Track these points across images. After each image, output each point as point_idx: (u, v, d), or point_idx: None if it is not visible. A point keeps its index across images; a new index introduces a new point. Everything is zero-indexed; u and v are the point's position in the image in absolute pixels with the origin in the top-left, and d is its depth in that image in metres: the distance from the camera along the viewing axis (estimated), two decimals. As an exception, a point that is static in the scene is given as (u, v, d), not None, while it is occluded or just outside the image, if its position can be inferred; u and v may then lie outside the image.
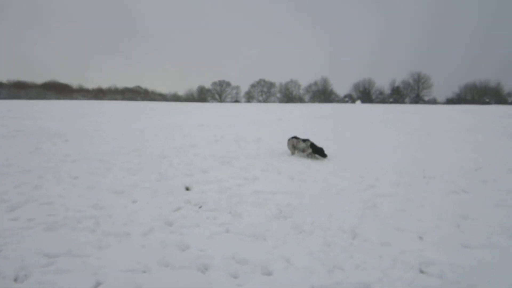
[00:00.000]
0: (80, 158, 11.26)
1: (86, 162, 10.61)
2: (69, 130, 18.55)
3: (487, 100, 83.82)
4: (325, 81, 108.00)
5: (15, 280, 4.30)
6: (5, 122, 22.45)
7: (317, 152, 11.79)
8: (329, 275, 4.61)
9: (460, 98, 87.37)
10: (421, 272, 4.73)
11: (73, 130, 18.63)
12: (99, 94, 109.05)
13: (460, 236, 5.85)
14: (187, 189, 8.19)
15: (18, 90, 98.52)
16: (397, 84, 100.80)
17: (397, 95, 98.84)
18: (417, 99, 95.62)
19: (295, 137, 12.58)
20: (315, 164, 10.92)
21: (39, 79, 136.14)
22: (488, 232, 6.01)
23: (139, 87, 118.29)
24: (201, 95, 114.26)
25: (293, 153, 12.44)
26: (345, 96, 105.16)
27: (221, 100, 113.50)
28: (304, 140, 12.15)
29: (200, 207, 7.01)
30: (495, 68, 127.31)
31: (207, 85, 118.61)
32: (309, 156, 11.95)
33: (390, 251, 5.28)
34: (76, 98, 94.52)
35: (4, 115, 28.08)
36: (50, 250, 4.96)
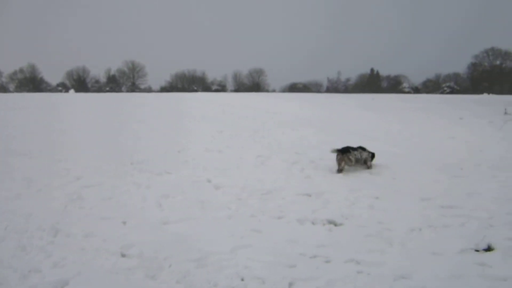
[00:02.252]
0: None
1: None
2: None
3: (195, 88, 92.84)
4: (33, 68, 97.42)
5: None
6: None
7: None
8: (24, 281, 4.24)
9: (172, 86, 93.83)
10: (123, 255, 4.89)
11: None
12: None
13: (160, 214, 6.32)
14: None
15: None
16: (112, 72, 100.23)
17: (113, 84, 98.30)
18: (134, 88, 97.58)
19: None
20: None
21: None
22: (186, 206, 6.70)
23: None
24: None
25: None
26: (58, 85, 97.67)
27: None
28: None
29: None
30: (200, 58, 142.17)
31: None
32: None
33: (93, 241, 5.25)
34: None
35: None
36: None
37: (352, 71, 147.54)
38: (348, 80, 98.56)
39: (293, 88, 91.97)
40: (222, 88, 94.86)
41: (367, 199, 6.93)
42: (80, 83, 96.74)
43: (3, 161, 9.71)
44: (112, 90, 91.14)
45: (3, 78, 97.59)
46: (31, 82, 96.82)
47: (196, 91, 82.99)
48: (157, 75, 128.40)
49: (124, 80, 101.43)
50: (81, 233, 5.49)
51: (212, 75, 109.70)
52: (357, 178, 8.47)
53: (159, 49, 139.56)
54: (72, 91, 66.62)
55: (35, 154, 10.59)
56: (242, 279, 4.28)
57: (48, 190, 7.43)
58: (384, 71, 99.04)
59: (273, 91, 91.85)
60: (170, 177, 8.54)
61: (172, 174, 8.78)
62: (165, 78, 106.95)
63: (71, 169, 8.94)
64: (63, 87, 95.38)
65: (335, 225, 5.84)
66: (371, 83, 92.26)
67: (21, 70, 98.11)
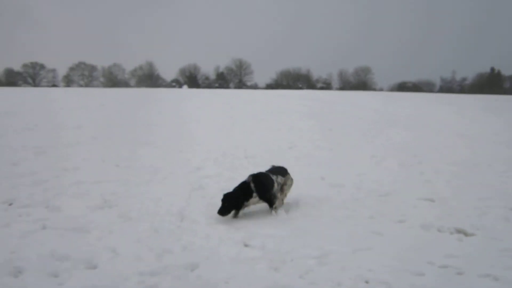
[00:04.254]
0: None
1: None
2: None
3: (300, 85, 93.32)
4: (150, 65, 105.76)
5: None
6: None
7: None
8: (158, 259, 4.57)
9: (277, 84, 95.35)
10: (246, 245, 5.04)
11: None
12: None
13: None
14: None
15: None
16: (221, 70, 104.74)
17: (222, 80, 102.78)
18: (241, 84, 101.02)
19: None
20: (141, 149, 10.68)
21: None
22: (304, 203, 6.69)
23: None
24: (10, 79, 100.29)
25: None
26: (172, 81, 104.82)
27: (35, 84, 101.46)
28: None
29: (10, 204, 6.20)
30: (304, 56, 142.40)
31: (17, 67, 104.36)
32: None
33: (217, 229, 5.49)
34: None
35: None
36: None
37: (468, 71, 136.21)
38: (464, 79, 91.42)
39: (402, 87, 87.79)
40: (327, 86, 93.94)
41: (500, 210, 6.31)
42: (191, 79, 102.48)
43: (133, 150, 10.65)
44: (220, 86, 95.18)
45: (126, 75, 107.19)
46: (149, 78, 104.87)
47: (301, 88, 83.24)
48: (263, 72, 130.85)
49: (232, 77, 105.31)
50: (204, 221, 5.78)
51: (317, 73, 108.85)
52: (485, 186, 7.77)
53: (264, 48, 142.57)
54: (185, 86, 70.88)
55: (159, 144, 11.47)
56: (367, 282, 4.15)
57: (172, 178, 7.97)
58: (506, 71, 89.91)
59: (381, 90, 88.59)
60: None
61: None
62: (270, 75, 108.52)
63: (191, 160, 9.51)
64: (176, 83, 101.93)
65: (466, 235, 5.40)
66: (492, 83, 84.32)
67: (140, 67, 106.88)
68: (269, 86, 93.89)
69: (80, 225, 5.43)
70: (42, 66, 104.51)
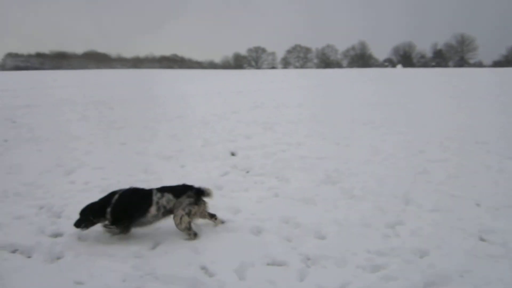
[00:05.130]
0: (126, 125, 11.50)
1: (132, 129, 10.82)
2: (112, 98, 18.96)
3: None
4: (363, 45, 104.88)
5: (79, 238, 4.47)
6: (52, 91, 23.20)
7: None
8: (384, 240, 4.51)
9: (508, 61, 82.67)
10: (482, 240, 4.55)
11: (116, 98, 19.03)
12: (137, 63, 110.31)
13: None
14: (232, 154, 8.21)
15: (61, 60, 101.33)
16: (439, 47, 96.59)
17: (439, 59, 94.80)
18: (462, 63, 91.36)
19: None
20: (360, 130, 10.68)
21: (80, 49, 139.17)
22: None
23: (175, 55, 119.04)
24: (237, 62, 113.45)
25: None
26: (385, 61, 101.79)
27: (257, 66, 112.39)
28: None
29: (247, 172, 7.02)
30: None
31: (243, 51, 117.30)
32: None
33: (447, 218, 5.10)
34: (115, 67, 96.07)
35: (50, 85, 28.98)
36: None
37: None
38: None
39: None
40: None
41: None
42: (405, 58, 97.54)
43: (351, 129, 10.78)
44: (438, 65, 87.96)
45: (338, 55, 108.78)
46: (360, 58, 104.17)
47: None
48: (490, 48, 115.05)
49: (452, 54, 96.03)
50: (431, 207, 5.43)
51: None
52: None
53: (491, 18, 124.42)
54: (399, 66, 67.95)
55: (377, 124, 11.30)
56: None
57: (393, 160, 7.73)
58: None
59: None
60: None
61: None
62: (499, 51, 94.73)
63: (412, 142, 9.06)
64: (389, 63, 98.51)
65: None
66: None
67: (353, 48, 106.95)
68: (497, 64, 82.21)
69: (307, 196, 5.75)
70: (263, 50, 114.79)
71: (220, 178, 6.63)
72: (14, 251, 4.20)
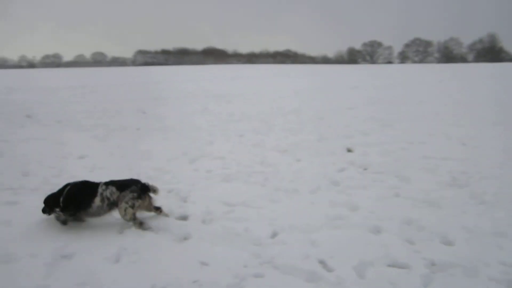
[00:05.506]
0: (243, 118, 11.94)
1: (249, 122, 11.20)
2: (229, 92, 19.84)
3: None
4: (492, 38, 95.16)
5: (203, 222, 4.77)
6: (175, 86, 25.03)
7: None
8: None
9: None
10: None
11: (233, 92, 19.87)
12: (252, 58, 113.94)
13: None
14: (349, 150, 8.05)
15: (182, 56, 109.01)
16: None
17: None
18: None
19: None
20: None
21: (199, 46, 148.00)
22: None
23: (288, 50, 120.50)
24: (351, 57, 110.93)
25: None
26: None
27: (372, 61, 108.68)
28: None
29: (365, 169, 6.83)
30: None
31: (357, 46, 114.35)
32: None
33: None
34: (231, 62, 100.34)
35: (174, 79, 31.31)
36: (228, 200, 5.38)
37: None
38: None
39: None
40: None
41: None
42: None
43: (480, 129, 9.90)
44: None
45: (463, 49, 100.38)
46: (489, 52, 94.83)
47: None
48: None
49: None
50: None
51: None
52: None
53: None
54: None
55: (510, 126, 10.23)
56: None
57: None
58: None
59: None
60: None
61: None
62: None
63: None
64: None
65: None
66: None
67: (480, 40, 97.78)
68: None
69: (431, 199, 5.42)
70: (379, 44, 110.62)
71: (336, 174, 6.54)
72: (147, 229, 4.61)
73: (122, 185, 4.62)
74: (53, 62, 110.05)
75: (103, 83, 27.88)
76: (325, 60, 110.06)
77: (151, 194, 4.81)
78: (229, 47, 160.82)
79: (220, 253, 4.03)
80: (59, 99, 17.74)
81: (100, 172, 6.72)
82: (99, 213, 4.61)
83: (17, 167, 6.93)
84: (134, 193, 4.59)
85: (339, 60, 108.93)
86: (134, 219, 4.59)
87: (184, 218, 4.92)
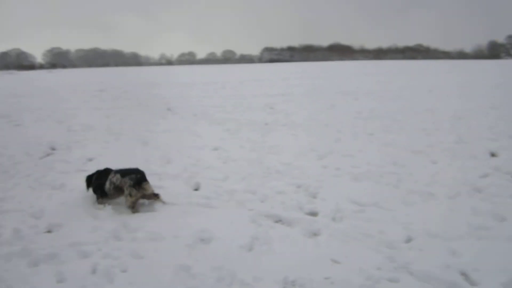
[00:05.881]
0: (371, 115, 11.56)
1: (378, 120, 10.80)
2: (357, 89, 19.37)
3: None
4: None
5: (333, 219, 4.74)
6: (301, 82, 25.26)
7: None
8: None
9: None
10: None
11: (360, 89, 19.36)
12: (379, 54, 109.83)
13: None
14: (493, 155, 7.27)
15: (308, 53, 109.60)
16: None
17: None
18: None
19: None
20: None
21: (325, 42, 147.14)
22: None
23: (420, 45, 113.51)
24: (493, 51, 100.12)
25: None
26: None
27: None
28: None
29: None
30: None
31: (500, 39, 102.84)
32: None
33: None
34: (357, 59, 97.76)
35: (300, 75, 31.61)
36: (358, 199, 5.26)
37: None
38: None
39: None
40: None
41: None
42: None
43: None
44: None
45: None
46: None
47: None
48: None
49: None
50: None
51: None
52: None
53: None
54: None
55: None
56: None
57: None
58: None
59: None
60: None
61: None
62: None
63: None
64: None
65: None
66: None
67: None
68: None
69: None
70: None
71: (478, 180, 5.95)
72: (277, 221, 4.72)
73: (125, 173, 5.26)
74: (188, 59, 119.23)
75: (233, 79, 29.30)
76: (461, 55, 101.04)
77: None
78: (355, 43, 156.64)
79: (352, 253, 3.95)
80: (194, 94, 19.11)
81: (232, 164, 7.08)
82: (112, 195, 5.34)
83: (160, 155, 7.62)
84: (131, 180, 5.12)
85: (478, 55, 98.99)
86: (132, 207, 5.14)
87: (314, 214, 4.93)
